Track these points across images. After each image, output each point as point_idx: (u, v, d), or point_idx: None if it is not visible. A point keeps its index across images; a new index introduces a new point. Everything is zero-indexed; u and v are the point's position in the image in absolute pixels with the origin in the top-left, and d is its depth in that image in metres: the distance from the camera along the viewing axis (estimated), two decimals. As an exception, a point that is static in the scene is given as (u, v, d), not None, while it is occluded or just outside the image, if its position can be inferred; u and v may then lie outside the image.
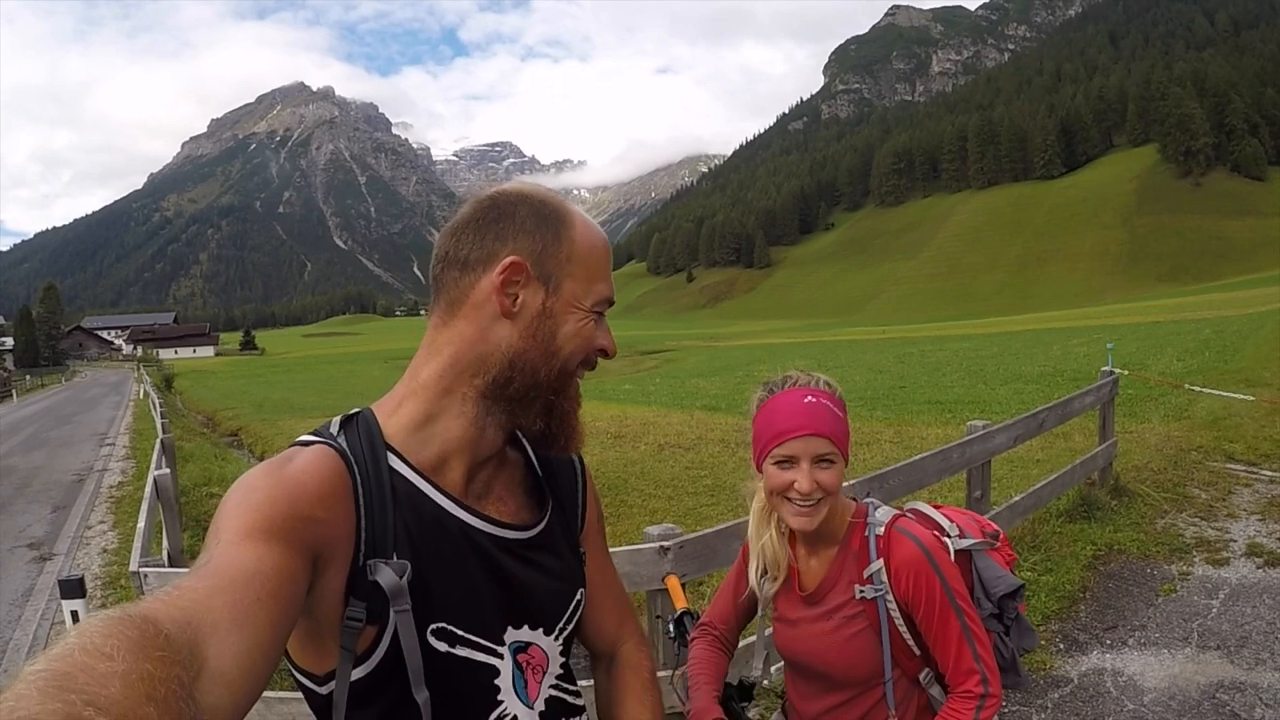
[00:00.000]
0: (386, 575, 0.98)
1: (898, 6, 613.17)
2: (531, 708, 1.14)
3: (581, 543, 1.30)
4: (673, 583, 2.27)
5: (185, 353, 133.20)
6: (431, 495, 1.07)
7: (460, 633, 1.06)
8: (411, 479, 1.07)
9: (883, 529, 1.71)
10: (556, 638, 1.20)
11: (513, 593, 1.13)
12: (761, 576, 1.84)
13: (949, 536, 1.84)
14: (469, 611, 1.07)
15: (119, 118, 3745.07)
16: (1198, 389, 11.89)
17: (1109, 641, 4.87)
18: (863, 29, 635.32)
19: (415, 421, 1.10)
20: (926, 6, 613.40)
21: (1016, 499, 6.13)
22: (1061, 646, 4.85)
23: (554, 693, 1.19)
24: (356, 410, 1.12)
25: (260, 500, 0.92)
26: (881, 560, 1.68)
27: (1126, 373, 10.23)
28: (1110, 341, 16.61)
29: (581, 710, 1.24)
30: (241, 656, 0.76)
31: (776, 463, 1.66)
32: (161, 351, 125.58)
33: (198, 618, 0.74)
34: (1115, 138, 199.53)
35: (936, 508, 1.98)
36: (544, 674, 1.17)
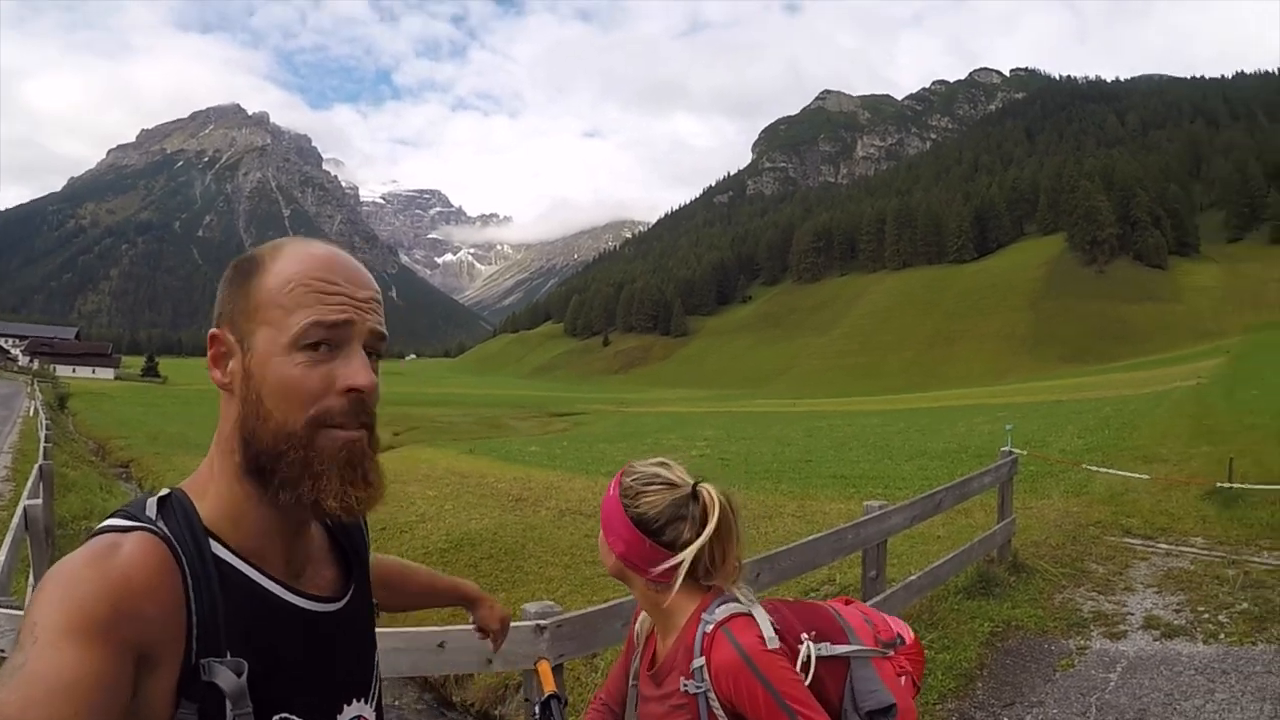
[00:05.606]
0: (225, 676, 0.92)
1: (829, 92, 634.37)
2: None
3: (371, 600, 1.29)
4: (543, 667, 2.17)
5: (84, 372, 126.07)
6: (260, 581, 1.02)
7: None
8: (237, 565, 1.00)
9: (711, 628, 1.64)
10: (372, 704, 1.17)
11: (343, 668, 1.11)
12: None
13: (803, 642, 1.69)
14: (308, 698, 1.04)
15: (45, 110, 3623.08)
16: (1094, 469, 12.23)
17: (1006, 719, 4.83)
18: (794, 110, 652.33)
19: (221, 505, 1.03)
20: (856, 94, 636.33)
21: (913, 578, 6.12)
22: (956, 726, 4.79)
23: None
24: (167, 491, 1.04)
25: (83, 595, 0.85)
26: (704, 658, 1.63)
27: (1025, 452, 10.46)
28: (1010, 422, 17.03)
29: None
30: None
31: None
32: (59, 368, 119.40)
33: None
34: (1026, 226, 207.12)
35: (847, 602, 1.89)
36: None
